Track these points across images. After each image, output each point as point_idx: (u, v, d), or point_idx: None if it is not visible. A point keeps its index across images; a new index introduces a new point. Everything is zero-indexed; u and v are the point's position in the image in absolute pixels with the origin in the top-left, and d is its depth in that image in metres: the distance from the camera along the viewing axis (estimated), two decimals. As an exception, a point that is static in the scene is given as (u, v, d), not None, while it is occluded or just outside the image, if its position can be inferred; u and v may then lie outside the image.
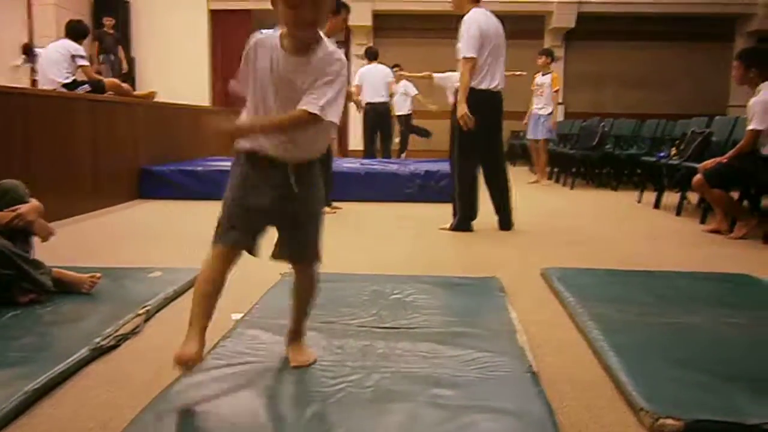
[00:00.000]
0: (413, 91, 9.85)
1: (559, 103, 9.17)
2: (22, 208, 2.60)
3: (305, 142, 1.85)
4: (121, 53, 10.43)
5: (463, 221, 4.58)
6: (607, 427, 1.66)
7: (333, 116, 1.77)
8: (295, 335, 2.06)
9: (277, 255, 1.99)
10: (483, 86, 4.52)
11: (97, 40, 10.06)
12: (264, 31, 1.88)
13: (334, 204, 5.34)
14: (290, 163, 1.85)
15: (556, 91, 8.23)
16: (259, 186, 1.87)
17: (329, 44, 1.84)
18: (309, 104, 1.74)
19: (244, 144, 1.87)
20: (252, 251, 1.93)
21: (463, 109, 4.43)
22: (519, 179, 8.52)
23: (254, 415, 1.62)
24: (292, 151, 1.84)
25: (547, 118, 8.29)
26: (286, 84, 1.80)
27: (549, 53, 8.56)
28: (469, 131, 4.52)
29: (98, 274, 2.73)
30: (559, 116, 12.98)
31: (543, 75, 8.39)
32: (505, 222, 4.69)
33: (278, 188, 1.85)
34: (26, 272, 2.46)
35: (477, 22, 4.48)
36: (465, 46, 4.47)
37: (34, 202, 2.68)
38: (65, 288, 2.63)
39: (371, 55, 8.80)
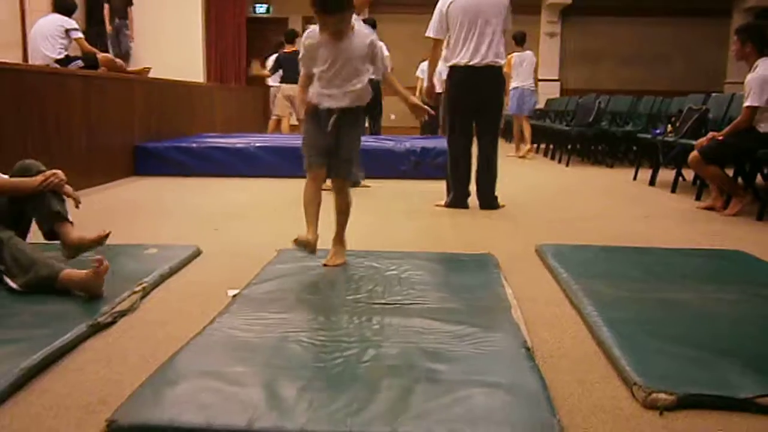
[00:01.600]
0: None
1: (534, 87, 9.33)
2: (50, 172, 2.64)
3: (349, 95, 2.80)
4: (131, 18, 9.73)
5: (458, 198, 4.57)
6: (601, 401, 1.68)
7: (387, 66, 2.98)
8: (337, 241, 2.94)
9: (328, 173, 2.91)
10: (458, 62, 4.45)
11: (106, 2, 9.77)
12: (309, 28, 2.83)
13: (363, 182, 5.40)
14: (336, 109, 2.80)
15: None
16: (318, 126, 2.84)
17: (358, 26, 2.80)
18: (380, 70, 2.89)
19: (311, 99, 2.84)
20: (323, 170, 2.88)
21: (428, 84, 4.85)
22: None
23: (250, 390, 1.63)
24: (340, 102, 2.80)
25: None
26: (338, 59, 2.76)
27: (514, 36, 8.60)
28: (452, 109, 4.56)
29: (103, 263, 2.33)
30: (556, 93, 13.00)
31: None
32: (485, 201, 4.59)
33: (329, 128, 2.80)
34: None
35: (441, 4, 4.49)
36: (429, 25, 4.55)
37: (57, 171, 2.69)
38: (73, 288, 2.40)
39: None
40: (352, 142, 2.91)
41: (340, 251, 2.93)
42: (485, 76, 4.45)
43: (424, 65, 9.57)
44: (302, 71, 2.91)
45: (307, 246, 2.71)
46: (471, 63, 4.41)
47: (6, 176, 2.68)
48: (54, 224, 2.65)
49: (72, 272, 2.36)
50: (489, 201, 4.58)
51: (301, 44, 2.87)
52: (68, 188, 2.71)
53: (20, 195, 2.63)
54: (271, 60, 9.81)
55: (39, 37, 6.23)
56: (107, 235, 2.66)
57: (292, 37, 8.84)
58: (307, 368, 1.77)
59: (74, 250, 2.65)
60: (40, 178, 2.60)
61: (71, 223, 2.70)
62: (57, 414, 1.57)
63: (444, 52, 4.61)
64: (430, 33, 4.54)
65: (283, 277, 2.66)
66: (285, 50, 8.87)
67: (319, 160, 2.86)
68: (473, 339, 1.99)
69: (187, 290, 2.59)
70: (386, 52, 8.01)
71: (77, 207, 2.76)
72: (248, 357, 1.84)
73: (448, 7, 4.44)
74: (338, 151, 2.86)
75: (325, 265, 2.84)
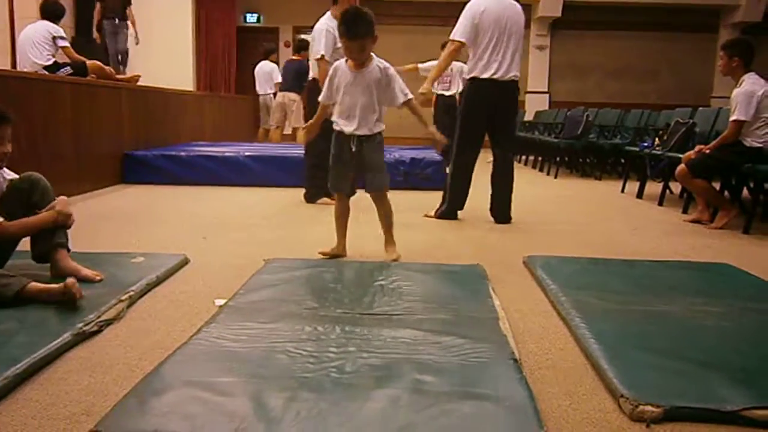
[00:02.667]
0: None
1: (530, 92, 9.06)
2: (59, 204, 2.69)
3: (366, 122, 3.15)
4: (131, 15, 9.10)
5: (450, 210, 4.56)
6: (588, 413, 1.68)
7: (408, 95, 3.21)
8: (388, 242, 3.32)
9: (366, 188, 3.29)
10: (484, 75, 4.35)
11: (99, 1, 9.14)
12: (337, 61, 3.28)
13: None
14: (355, 135, 3.15)
15: None
16: (342, 149, 3.20)
17: (375, 58, 3.16)
18: (399, 98, 3.18)
19: (335, 126, 3.19)
20: (349, 192, 3.30)
21: (426, 89, 4.47)
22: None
23: (237, 400, 1.62)
24: (359, 128, 3.15)
25: None
26: (357, 88, 3.12)
27: None
28: (468, 121, 4.47)
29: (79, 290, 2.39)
30: (545, 105, 13.08)
31: None
32: (501, 215, 4.55)
33: (350, 149, 3.17)
34: None
35: (475, 7, 4.36)
36: (455, 28, 4.39)
37: (62, 197, 2.76)
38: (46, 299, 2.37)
39: None
40: (376, 159, 3.22)
41: (392, 249, 3.30)
42: (508, 90, 4.41)
43: (428, 64, 9.25)
44: (322, 97, 3.24)
45: (336, 257, 3.27)
46: (495, 76, 4.33)
47: (15, 174, 2.74)
48: (53, 250, 2.68)
49: (42, 286, 2.36)
50: (506, 215, 4.55)
51: (328, 75, 3.23)
52: (71, 216, 2.75)
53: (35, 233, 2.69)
54: (260, 67, 9.68)
55: (27, 44, 6.20)
56: (100, 280, 2.64)
57: (302, 46, 8.60)
58: (294, 379, 1.76)
59: (64, 276, 2.63)
60: (51, 218, 2.64)
61: (68, 250, 2.74)
62: (41, 424, 1.55)
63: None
64: (458, 36, 4.36)
65: (271, 287, 2.65)
66: (292, 58, 8.75)
67: (342, 185, 3.27)
68: (461, 350, 1.99)
69: (174, 299, 2.57)
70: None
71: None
72: (235, 367, 1.83)
73: (481, 15, 4.32)
74: (366, 169, 3.21)
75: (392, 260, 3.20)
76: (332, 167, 3.26)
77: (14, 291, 2.30)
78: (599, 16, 13.40)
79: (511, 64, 4.36)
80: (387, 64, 3.20)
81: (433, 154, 6.63)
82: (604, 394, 1.79)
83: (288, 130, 9.10)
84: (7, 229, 2.57)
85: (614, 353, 1.98)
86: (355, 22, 3.02)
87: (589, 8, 13.12)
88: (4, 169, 2.74)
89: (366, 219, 3.66)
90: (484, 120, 4.45)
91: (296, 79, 8.47)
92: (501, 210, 4.56)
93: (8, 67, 7.65)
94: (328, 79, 3.22)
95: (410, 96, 3.22)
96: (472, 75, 4.43)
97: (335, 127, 3.22)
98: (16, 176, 2.75)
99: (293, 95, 8.72)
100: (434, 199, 4.72)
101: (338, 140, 3.22)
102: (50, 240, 2.67)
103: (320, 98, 3.28)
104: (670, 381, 1.81)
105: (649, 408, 1.64)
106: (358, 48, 3.06)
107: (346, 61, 3.19)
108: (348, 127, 3.16)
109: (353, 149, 3.16)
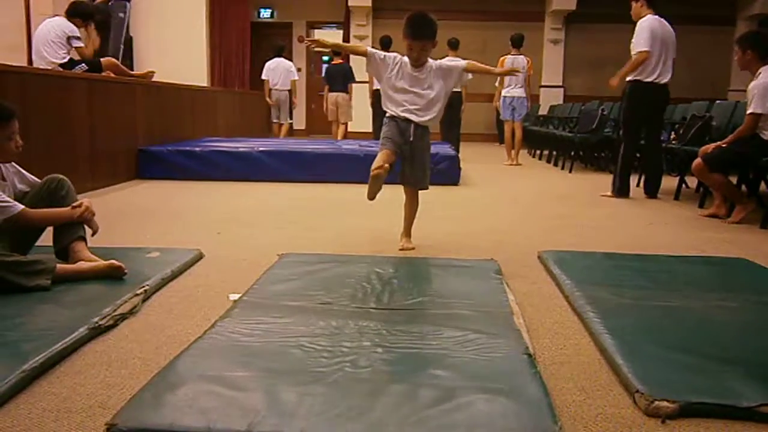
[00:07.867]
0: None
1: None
2: (85, 201, 2.81)
3: (426, 112, 3.31)
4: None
5: (623, 189, 5.61)
6: (603, 408, 1.67)
7: (463, 64, 3.51)
8: (406, 233, 3.47)
9: (402, 180, 3.43)
10: (648, 79, 5.43)
11: None
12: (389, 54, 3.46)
13: None
14: (414, 123, 3.30)
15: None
16: (397, 127, 3.32)
17: (431, 60, 3.35)
18: (463, 75, 3.49)
19: (390, 112, 3.34)
20: (393, 152, 3.29)
21: (616, 79, 5.62)
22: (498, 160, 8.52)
23: (251, 394, 1.63)
24: (416, 117, 3.30)
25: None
26: (415, 85, 3.31)
27: (511, 38, 8.61)
28: (630, 116, 5.57)
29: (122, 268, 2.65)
30: (559, 99, 13.01)
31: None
32: (651, 189, 5.68)
33: (405, 136, 3.30)
34: (8, 281, 2.38)
35: (650, 25, 5.45)
36: (637, 42, 5.46)
37: (85, 199, 2.86)
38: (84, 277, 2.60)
39: (386, 44, 8.75)
40: (424, 154, 3.39)
41: (407, 239, 3.47)
42: (656, 92, 5.53)
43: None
44: (370, 66, 3.40)
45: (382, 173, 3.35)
46: (653, 80, 5.45)
47: (38, 180, 2.84)
48: (72, 242, 2.75)
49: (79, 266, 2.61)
50: (655, 190, 5.70)
51: (389, 54, 3.41)
52: (94, 220, 2.85)
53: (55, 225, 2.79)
54: (278, 63, 10.05)
55: (41, 42, 6.20)
56: (123, 272, 2.65)
57: (337, 53, 9.76)
58: (307, 373, 1.77)
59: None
60: (77, 212, 2.76)
61: (86, 242, 2.82)
62: (58, 417, 1.57)
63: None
64: (647, 47, 5.40)
65: (285, 281, 2.66)
66: (333, 62, 10.07)
67: (392, 145, 3.32)
68: (475, 345, 1.99)
69: (189, 294, 2.58)
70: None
71: (93, 235, 2.86)
72: (249, 361, 1.84)
73: (651, 29, 5.46)
74: (412, 163, 3.36)
75: (400, 249, 3.38)
76: (385, 135, 3.33)
77: (51, 268, 2.47)
78: (614, 9, 13.22)
79: (668, 70, 5.53)
80: (437, 61, 3.42)
81: (448, 149, 6.61)
82: (619, 390, 1.78)
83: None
84: (30, 217, 2.65)
85: (629, 348, 1.97)
86: (421, 24, 3.27)
87: (604, 1, 13.01)
88: (23, 171, 2.82)
89: (384, 213, 3.66)
90: (641, 115, 5.55)
91: (344, 82, 9.81)
92: (651, 185, 5.71)
93: (25, 63, 7.71)
94: (387, 58, 3.35)
95: (464, 65, 3.49)
96: (636, 78, 5.45)
97: (390, 112, 3.36)
98: (37, 180, 2.83)
99: (345, 95, 9.93)
100: (449, 193, 4.70)
101: (394, 123, 3.33)
102: (72, 234, 2.75)
103: (369, 68, 3.43)
104: (685, 376, 1.79)
105: (664, 404, 1.63)
106: (420, 47, 3.25)
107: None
108: (406, 114, 3.31)
109: (411, 138, 3.30)
